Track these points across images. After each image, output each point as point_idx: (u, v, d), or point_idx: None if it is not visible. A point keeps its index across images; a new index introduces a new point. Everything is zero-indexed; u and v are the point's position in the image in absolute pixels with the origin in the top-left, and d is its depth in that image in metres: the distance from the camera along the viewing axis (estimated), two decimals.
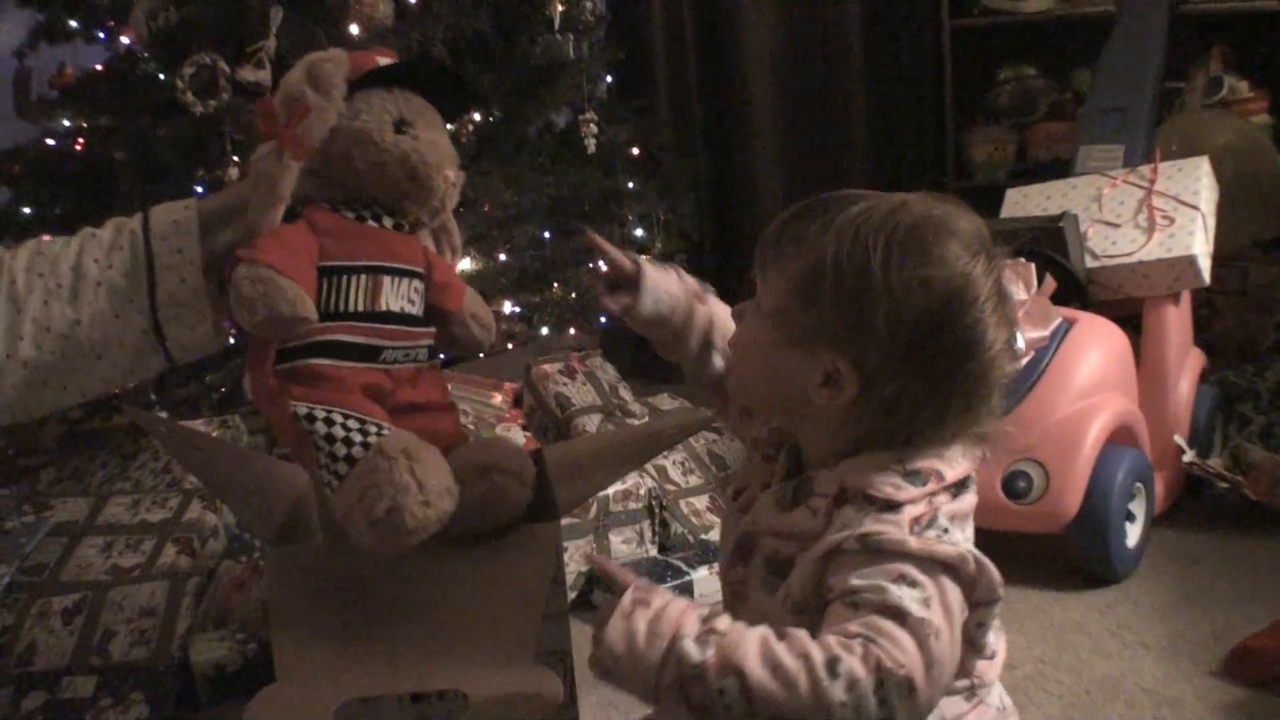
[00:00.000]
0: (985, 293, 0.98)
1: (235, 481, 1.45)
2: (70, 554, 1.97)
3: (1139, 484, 1.99)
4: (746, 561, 1.05)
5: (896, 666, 0.88)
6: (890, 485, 0.97)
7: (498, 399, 2.40)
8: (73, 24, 2.51)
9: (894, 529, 0.95)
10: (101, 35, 2.52)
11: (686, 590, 2.03)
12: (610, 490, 2.00)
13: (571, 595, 1.92)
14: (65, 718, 1.70)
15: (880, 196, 1.02)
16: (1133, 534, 1.98)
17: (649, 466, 2.20)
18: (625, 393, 2.50)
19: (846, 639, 0.89)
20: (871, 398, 1.00)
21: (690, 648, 0.90)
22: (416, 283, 1.35)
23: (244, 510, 1.42)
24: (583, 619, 1.88)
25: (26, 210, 2.49)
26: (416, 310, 1.36)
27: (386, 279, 1.31)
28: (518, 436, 2.29)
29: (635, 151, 2.66)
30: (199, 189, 2.42)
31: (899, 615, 0.91)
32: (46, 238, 1.32)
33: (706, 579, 2.00)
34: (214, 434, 2.16)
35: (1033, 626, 1.81)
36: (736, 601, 1.07)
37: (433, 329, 1.38)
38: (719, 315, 1.27)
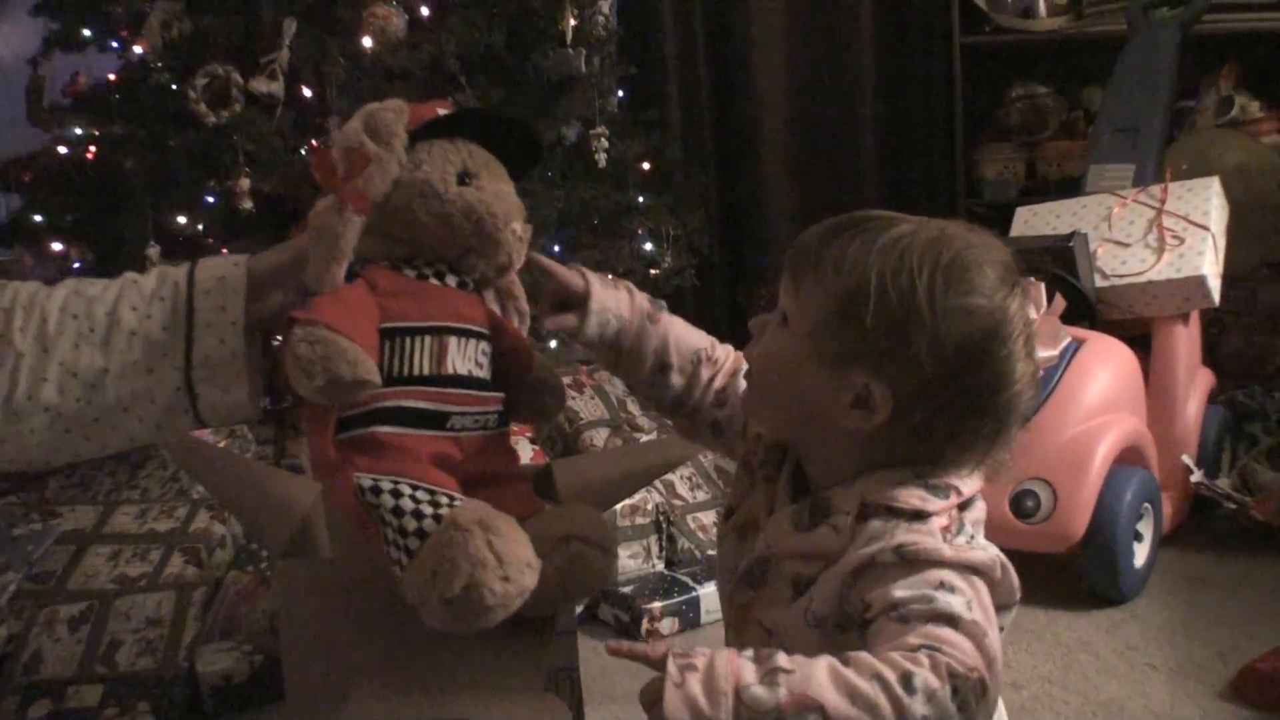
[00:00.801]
0: (1019, 326, 0.99)
1: (244, 494, 1.44)
2: (77, 562, 1.97)
3: (1147, 504, 1.99)
4: (757, 586, 1.05)
5: (968, 671, 0.88)
6: (916, 498, 0.98)
7: None
8: (86, 33, 2.51)
9: (927, 538, 0.95)
10: (115, 44, 2.53)
11: (693, 606, 2.03)
12: (617, 505, 2.00)
13: (579, 611, 1.93)
14: None
15: (917, 220, 1.02)
16: (1140, 554, 1.98)
17: (657, 482, 2.20)
18: (633, 407, 2.50)
19: (910, 653, 0.89)
20: (902, 422, 1.00)
21: (761, 694, 0.89)
22: (484, 345, 1.28)
23: (253, 523, 1.41)
24: (589, 633, 1.88)
25: (37, 218, 2.49)
26: (485, 374, 1.28)
27: (452, 340, 1.24)
28: (525, 449, 2.29)
29: (646, 166, 2.66)
30: (209, 198, 2.43)
31: (952, 621, 0.91)
32: (87, 280, 1.25)
33: (713, 595, 2.00)
34: (221, 444, 2.16)
35: (1039, 646, 1.81)
36: (741, 624, 1.07)
37: (502, 394, 1.30)
38: (675, 333, 1.26)
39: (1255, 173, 2.85)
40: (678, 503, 2.24)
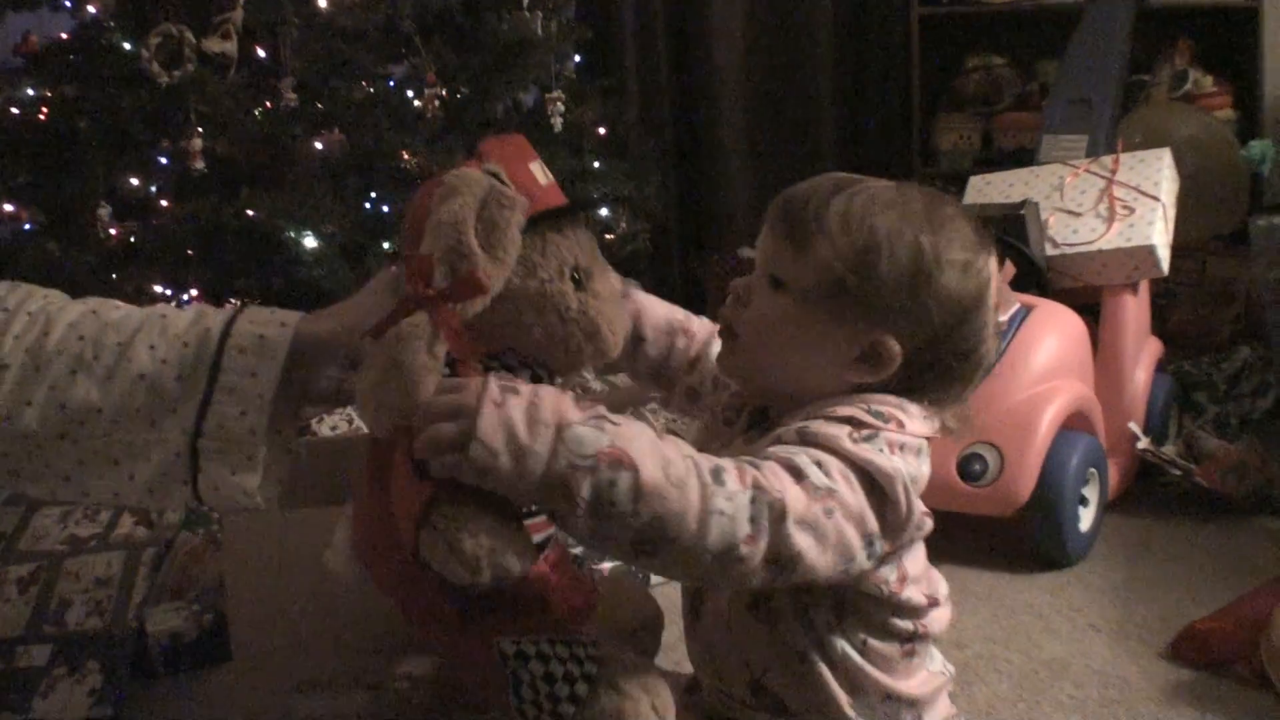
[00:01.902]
0: (994, 280, 1.06)
1: None
2: (27, 523, 1.96)
3: (1093, 469, 2.01)
4: None
5: (773, 491, 0.90)
6: (854, 411, 1.01)
7: None
8: None
9: (831, 427, 0.98)
10: (67, 3, 2.50)
11: None
12: None
13: None
14: (19, 687, 1.69)
15: (897, 184, 1.07)
16: (1086, 518, 2.00)
17: None
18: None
19: (730, 459, 0.92)
20: (902, 374, 1.03)
21: (585, 434, 0.88)
22: None
23: None
24: None
25: None
26: None
27: None
28: None
29: (602, 131, 2.66)
30: (163, 159, 2.41)
31: (796, 474, 0.93)
32: (114, 301, 1.08)
33: None
34: None
35: (985, 608, 1.83)
36: None
37: None
38: (644, 306, 1.29)
39: (1207, 146, 2.89)
40: None
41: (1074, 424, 2.01)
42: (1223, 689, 1.57)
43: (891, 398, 1.04)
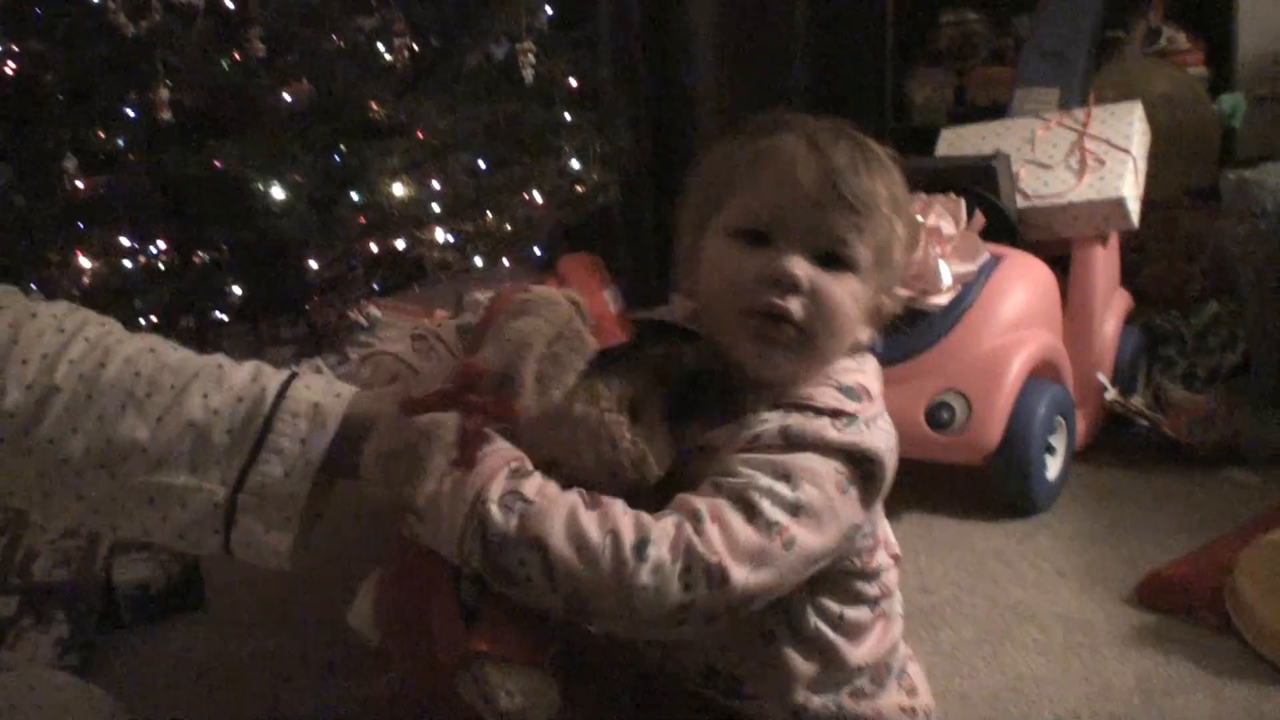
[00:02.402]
0: None
1: None
2: None
3: (1060, 418, 2.03)
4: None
5: (709, 555, 0.89)
6: (833, 399, 1.01)
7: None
8: None
9: (814, 420, 0.98)
10: None
11: None
12: None
13: None
14: None
15: (825, 122, 1.06)
16: (1053, 467, 2.01)
17: None
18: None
19: (670, 517, 0.91)
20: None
21: (494, 515, 0.89)
22: None
23: None
24: None
25: None
26: None
27: None
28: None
29: (574, 83, 2.64)
30: (129, 111, 2.38)
31: (749, 509, 0.92)
32: (172, 344, 1.07)
33: None
34: None
35: (951, 555, 1.85)
36: None
37: None
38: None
39: (1179, 102, 2.89)
40: None
41: (1042, 373, 2.02)
42: (1186, 633, 1.59)
43: (850, 361, 1.05)
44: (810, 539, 0.94)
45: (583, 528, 0.89)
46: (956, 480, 2.04)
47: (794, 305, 1.00)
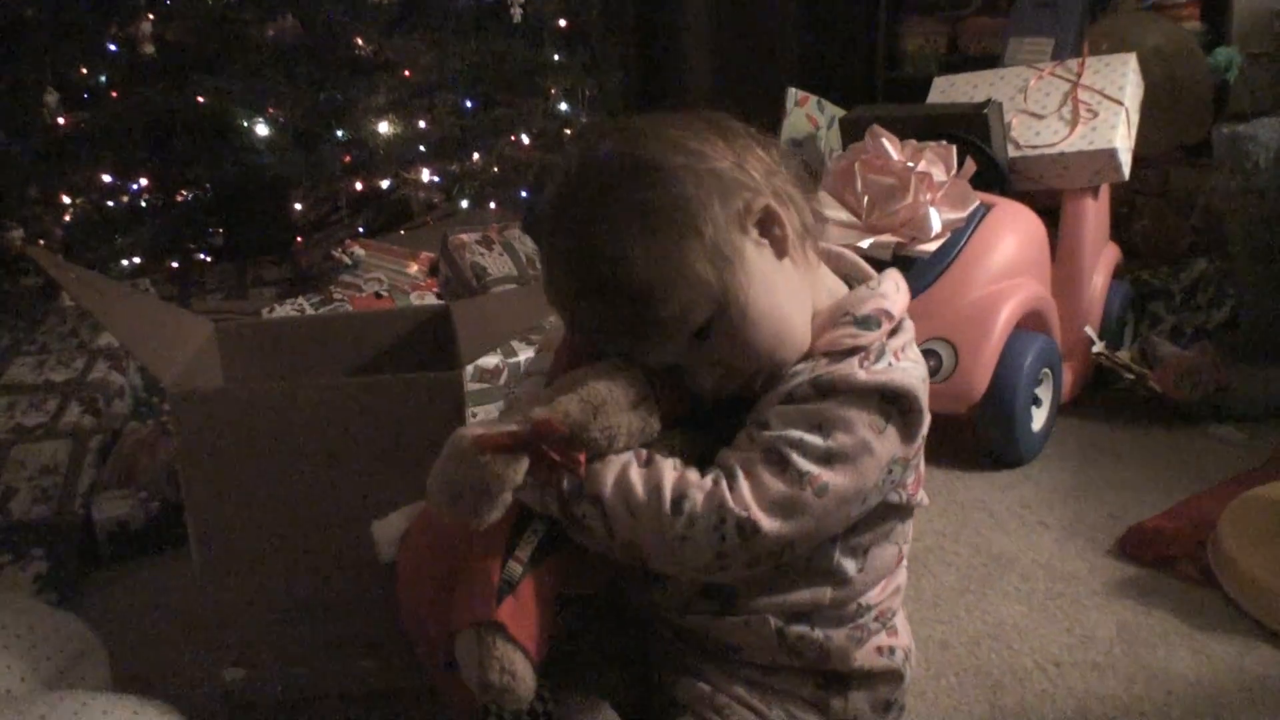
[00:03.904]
0: None
1: (139, 326, 1.42)
2: None
3: (1047, 369, 2.02)
4: None
5: (737, 509, 0.93)
6: (849, 337, 1.00)
7: (413, 268, 2.37)
8: None
9: (845, 367, 0.98)
10: None
11: None
12: (521, 357, 1.99)
13: None
14: None
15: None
16: (1038, 418, 2.01)
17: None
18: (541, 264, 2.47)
19: (711, 475, 0.96)
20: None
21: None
22: None
23: (146, 353, 1.38)
24: None
25: None
26: None
27: None
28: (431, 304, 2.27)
29: (563, 23, 2.61)
30: (111, 46, 2.35)
31: (780, 462, 0.95)
32: None
33: None
34: None
35: (935, 503, 1.84)
36: None
37: None
38: None
39: (1173, 56, 2.86)
40: None
41: (1030, 324, 2.01)
42: (1167, 584, 1.59)
43: (863, 289, 1.05)
44: (844, 482, 0.95)
45: (631, 484, 0.95)
46: (941, 430, 2.02)
47: (709, 382, 1.02)
